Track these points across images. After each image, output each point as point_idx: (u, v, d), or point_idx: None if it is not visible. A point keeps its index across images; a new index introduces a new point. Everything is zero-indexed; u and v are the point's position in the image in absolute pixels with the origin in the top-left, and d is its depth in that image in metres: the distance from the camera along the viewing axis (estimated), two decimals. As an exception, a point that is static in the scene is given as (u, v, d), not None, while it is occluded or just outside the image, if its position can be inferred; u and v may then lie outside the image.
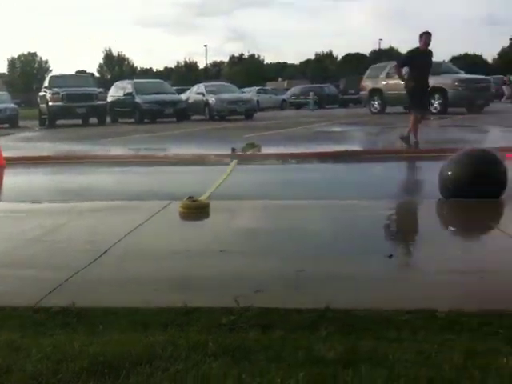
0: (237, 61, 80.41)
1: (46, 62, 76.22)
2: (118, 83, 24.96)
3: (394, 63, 23.01)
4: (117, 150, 11.51)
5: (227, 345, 2.20)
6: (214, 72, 77.81)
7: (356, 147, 10.60)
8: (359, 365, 1.97)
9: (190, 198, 4.93)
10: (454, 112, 18.37)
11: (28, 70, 73.51)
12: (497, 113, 19.13)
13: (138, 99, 21.82)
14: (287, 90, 41.98)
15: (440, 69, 20.27)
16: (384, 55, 60.38)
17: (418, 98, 9.81)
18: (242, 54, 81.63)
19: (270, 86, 49.83)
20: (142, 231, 4.23)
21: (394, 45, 74.20)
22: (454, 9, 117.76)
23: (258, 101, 27.87)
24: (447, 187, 5.14)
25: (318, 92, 34.29)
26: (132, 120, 22.19)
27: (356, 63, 64.11)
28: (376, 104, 21.68)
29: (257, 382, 1.88)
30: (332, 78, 52.06)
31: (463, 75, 20.41)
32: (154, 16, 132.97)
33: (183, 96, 24.18)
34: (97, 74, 70.68)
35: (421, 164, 8.67)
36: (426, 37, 9.54)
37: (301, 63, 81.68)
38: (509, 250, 3.63)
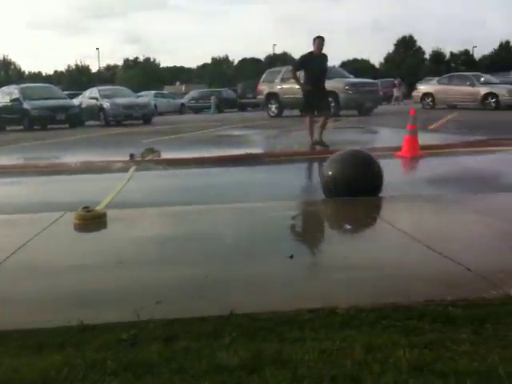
0: (132, 64, 78.79)
1: None
2: (4, 88, 23.47)
3: (289, 67, 23.82)
4: (4, 160, 10.80)
5: (128, 361, 2.11)
6: (108, 76, 75.64)
7: (257, 150, 10.73)
8: (264, 369, 1.97)
9: (85, 208, 4.71)
10: (345, 114, 19.19)
11: None
12: (385, 114, 20.26)
13: (26, 105, 20.68)
14: (185, 94, 41.77)
15: (331, 73, 21.09)
16: (279, 60, 61.99)
17: (312, 100, 10.07)
18: (136, 58, 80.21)
19: (167, 90, 49.27)
20: (33, 246, 3.97)
21: (288, 50, 76.56)
22: (342, 15, 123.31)
23: (155, 105, 27.46)
24: (329, 187, 5.35)
25: (217, 96, 34.48)
26: (21, 127, 20.99)
27: (252, 67, 65.18)
28: (273, 108, 22.14)
29: (160, 397, 1.81)
30: (229, 82, 52.57)
31: (353, 79, 21.39)
32: (44, 18, 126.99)
33: (75, 101, 23.25)
34: (-21, 80, 66.14)
35: (317, 165, 8.92)
36: (318, 41, 9.85)
37: (198, 67, 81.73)
38: (398, 243, 3.81)
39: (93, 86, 26.15)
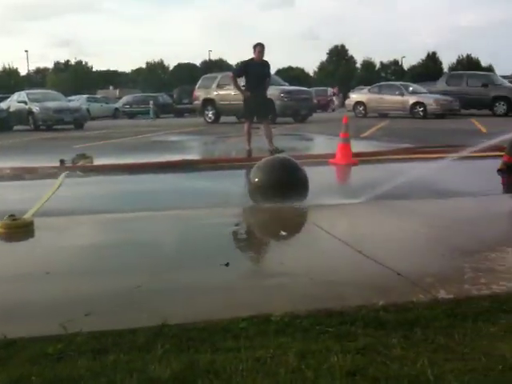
0: (63, 67, 76.47)
1: None
2: None
3: (226, 73, 23.86)
4: None
5: (54, 376, 2.02)
6: (39, 79, 73.08)
7: (193, 156, 10.65)
8: (196, 381, 1.93)
9: (11, 216, 4.49)
10: (281, 122, 19.41)
11: None
12: (319, 122, 20.66)
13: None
14: (119, 98, 40.98)
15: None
16: (215, 66, 62.07)
17: (252, 107, 10.10)
18: (68, 61, 77.88)
19: (101, 94, 48.16)
20: (-48, 257, 3.74)
21: (224, 56, 76.86)
22: (278, 24, 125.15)
23: (88, 110, 26.76)
24: (255, 193, 5.40)
25: (153, 101, 34.06)
26: None
27: (188, 73, 64.87)
28: (210, 114, 22.09)
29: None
30: (165, 87, 52.07)
31: (288, 87, 21.69)
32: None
33: (3, 105, 22.28)
34: None
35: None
36: (259, 48, 9.90)
37: (132, 71, 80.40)
38: (331, 249, 3.86)
39: (21, 90, 25.15)
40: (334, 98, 36.11)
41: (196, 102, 23.14)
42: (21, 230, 4.38)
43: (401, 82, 27.93)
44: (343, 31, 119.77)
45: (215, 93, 21.72)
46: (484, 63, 65.75)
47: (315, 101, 24.10)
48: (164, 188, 7.35)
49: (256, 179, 5.45)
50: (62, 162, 8.99)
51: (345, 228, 4.60)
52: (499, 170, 7.71)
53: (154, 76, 73.37)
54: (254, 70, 9.93)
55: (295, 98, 20.47)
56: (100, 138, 15.27)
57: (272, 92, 19.70)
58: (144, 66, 78.24)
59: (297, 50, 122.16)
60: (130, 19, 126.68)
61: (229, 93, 21.25)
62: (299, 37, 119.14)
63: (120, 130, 19.91)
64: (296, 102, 20.32)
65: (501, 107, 22.18)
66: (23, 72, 72.63)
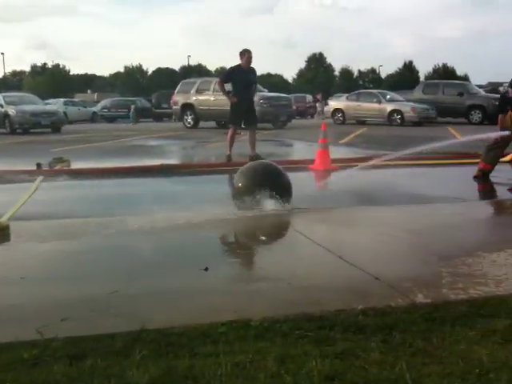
0: (40, 70, 75.60)
1: None
2: None
3: (206, 79, 23.79)
4: None
5: (29, 382, 1.99)
6: (15, 82, 72.12)
7: (172, 161, 10.59)
8: (175, 386, 1.90)
9: (-15, 219, 4.41)
10: (260, 128, 19.43)
11: None
12: (299, 128, 20.75)
13: None
14: (97, 102, 40.63)
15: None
16: (193, 71, 62.02)
17: (239, 113, 10.11)
18: (45, 64, 77.03)
19: (79, 97, 47.67)
20: None
21: (203, 62, 76.82)
22: (257, 30, 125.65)
23: (65, 113, 26.44)
24: (238, 198, 5.41)
25: (130, 105, 33.84)
26: None
27: (166, 78, 64.71)
28: (189, 119, 22.04)
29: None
30: (143, 92, 51.83)
31: (267, 93, 21.76)
32: None
33: (-22, 107, 21.87)
34: None
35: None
36: (247, 54, 9.92)
37: (110, 75, 79.87)
38: (311, 254, 3.87)
39: (-3, 92, 24.75)
40: (317, 105, 36.32)
41: (175, 107, 23.07)
42: (-5, 233, 4.30)
43: (378, 90, 28.24)
44: (321, 39, 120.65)
45: (194, 98, 21.70)
46: (460, 72, 67.01)
47: (294, 107, 24.22)
48: (142, 192, 7.29)
49: (239, 184, 5.46)
50: (38, 165, 8.86)
51: (324, 233, 4.62)
52: (475, 177, 7.84)
53: (132, 80, 73.03)
54: (241, 77, 9.95)
55: (274, 105, 20.56)
56: (78, 142, 15.09)
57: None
58: (122, 70, 77.86)
59: (276, 56, 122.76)
60: (109, 23, 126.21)
61: (208, 98, 21.25)
62: (278, 44, 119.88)
63: (98, 133, 19.71)
64: (275, 109, 20.39)
65: (476, 115, 22.57)
66: (-1, 75, 71.69)
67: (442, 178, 8.55)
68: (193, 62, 74.52)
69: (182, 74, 58.76)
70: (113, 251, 3.98)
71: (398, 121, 22.38)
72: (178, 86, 23.22)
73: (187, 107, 21.98)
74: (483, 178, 7.79)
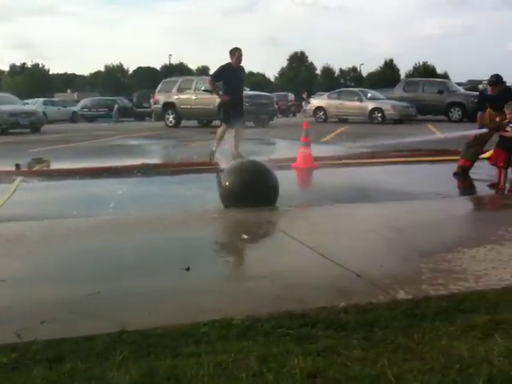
0: (19, 70, 74.64)
1: None
2: None
3: (188, 77, 23.68)
4: None
5: (8, 387, 1.94)
6: (-6, 82, 71.11)
7: (153, 160, 10.52)
8: (157, 387, 1.89)
9: (-38, 221, 4.33)
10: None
11: None
12: (281, 127, 20.76)
13: None
14: (78, 101, 40.24)
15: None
16: (175, 70, 61.74)
17: (232, 111, 10.10)
18: (24, 63, 76.08)
19: (58, 97, 47.14)
20: None
21: (184, 60, 76.54)
22: (239, 29, 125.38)
23: (44, 113, 26.13)
24: (227, 197, 5.40)
25: (111, 105, 33.58)
26: None
27: (148, 77, 64.35)
28: (171, 118, 21.93)
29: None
30: (124, 91, 51.47)
31: (249, 92, 21.72)
32: None
33: (-45, 107, 21.50)
34: None
35: (215, 175, 8.88)
36: (238, 53, 9.92)
37: (91, 75, 79.16)
38: (293, 252, 3.88)
39: (-26, 92, 24.37)
40: (303, 103, 36.40)
41: (156, 106, 22.94)
42: (-27, 236, 4.23)
43: (360, 89, 28.38)
44: (303, 38, 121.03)
45: (176, 97, 21.59)
46: (440, 70, 67.59)
47: (276, 106, 24.24)
48: (124, 192, 7.23)
49: (227, 183, 5.44)
50: (17, 166, 8.75)
51: (307, 231, 4.61)
52: (455, 174, 7.93)
53: (112, 79, 72.44)
54: (232, 75, 9.96)
55: (256, 103, 20.54)
56: (57, 142, 14.92)
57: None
58: (103, 69, 77.22)
59: (258, 55, 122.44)
60: (89, 22, 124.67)
61: (189, 97, 21.17)
62: (260, 43, 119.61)
63: (78, 133, 19.53)
64: (257, 107, 20.37)
65: (456, 113, 22.80)
66: (-23, 74, 70.68)
67: (422, 175, 8.62)
68: (174, 61, 74.17)
69: (163, 73, 58.44)
70: (93, 252, 3.93)
71: (379, 119, 22.52)
72: (159, 84, 23.09)
73: (168, 106, 21.87)
74: (463, 175, 7.88)
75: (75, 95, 50.57)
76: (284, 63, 77.45)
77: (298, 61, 75.77)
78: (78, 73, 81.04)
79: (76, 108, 36.27)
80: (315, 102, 26.29)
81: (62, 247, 4.12)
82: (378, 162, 8.97)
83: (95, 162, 9.69)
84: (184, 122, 22.06)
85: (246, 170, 5.58)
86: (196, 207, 5.77)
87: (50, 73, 76.48)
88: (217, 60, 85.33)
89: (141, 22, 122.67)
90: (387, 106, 22.75)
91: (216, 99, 19.97)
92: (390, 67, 72.25)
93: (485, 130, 7.31)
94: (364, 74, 75.05)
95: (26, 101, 28.94)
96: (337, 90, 26.98)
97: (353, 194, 6.65)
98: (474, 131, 7.61)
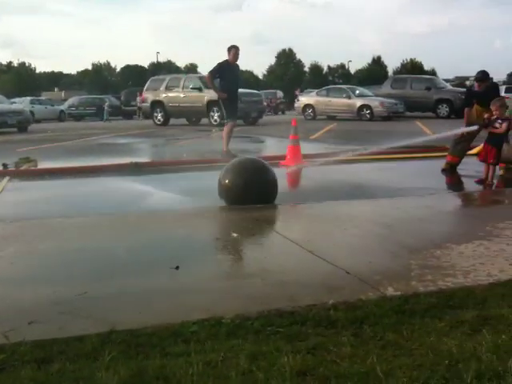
0: (5, 69, 73.97)
1: None
2: None
3: (176, 76, 23.55)
4: None
5: (-5, 389, 1.92)
6: (-21, 81, 70.36)
7: (142, 159, 10.47)
8: (146, 387, 1.88)
9: None
10: (232, 124, 19.36)
11: None
12: (270, 124, 20.77)
13: None
14: (65, 100, 40.01)
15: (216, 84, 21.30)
16: (163, 68, 61.49)
17: (231, 107, 10.14)
18: (10, 62, 75.41)
19: (45, 96, 46.79)
20: None
21: (172, 58, 76.27)
22: (227, 27, 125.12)
23: (32, 112, 25.94)
24: (226, 194, 5.39)
25: (98, 103, 33.41)
26: None
27: (135, 75, 64.06)
28: (159, 116, 21.85)
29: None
30: (112, 89, 51.20)
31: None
32: None
33: None
34: None
35: (207, 173, 8.85)
36: (234, 50, 9.94)
37: (78, 73, 78.66)
38: (283, 250, 3.88)
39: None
40: (296, 101, 36.45)
41: (144, 104, 22.85)
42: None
43: (348, 86, 28.47)
44: (291, 35, 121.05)
45: (164, 95, 21.52)
46: (427, 67, 67.99)
47: (265, 103, 24.23)
48: (112, 191, 7.19)
49: (226, 180, 5.42)
50: (4, 165, 8.68)
51: (296, 229, 4.62)
52: (443, 170, 7.98)
53: (100, 78, 72.03)
54: (229, 72, 10.01)
55: (245, 101, 20.47)
56: (45, 141, 14.82)
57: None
58: (90, 67, 76.75)
59: (246, 53, 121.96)
60: (77, 21, 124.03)
61: (178, 95, 21.11)
62: (248, 40, 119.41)
63: (66, 132, 19.40)
64: (246, 105, 20.33)
65: (443, 109, 22.95)
66: (-38, 73, 69.93)
67: (410, 171, 8.67)
68: (162, 59, 73.96)
69: (151, 71, 58.21)
70: (84, 251, 3.90)
71: (368, 116, 22.61)
72: (147, 82, 23.01)
73: (157, 104, 21.79)
74: (451, 171, 7.92)
75: (62, 94, 50.32)
76: (272, 60, 77.52)
77: (287, 58, 75.75)
78: (65, 71, 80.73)
79: (63, 107, 36.06)
80: (304, 99, 26.33)
81: (50, 247, 4.09)
82: (367, 159, 8.99)
83: (83, 161, 9.63)
84: (172, 121, 22.00)
85: (245, 167, 5.57)
86: (188, 205, 5.76)
87: (37, 71, 76.07)
88: (205, 58, 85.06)
89: (128, 20, 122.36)
90: (375, 102, 22.84)
91: (204, 97, 20.13)
92: (377, 64, 72.48)
93: (475, 127, 7.34)
94: (352, 71, 75.34)
95: (12, 100, 28.74)
96: (325, 88, 27.03)
97: (342, 191, 6.67)
98: (465, 129, 7.64)
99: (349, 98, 23.58)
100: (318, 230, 4.54)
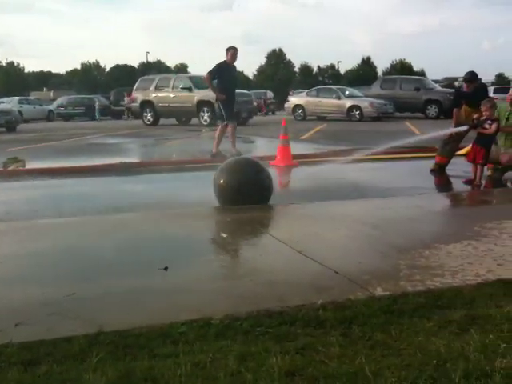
0: (-6, 68, 73.35)
1: None
2: None
3: (166, 75, 23.47)
4: None
5: (-19, 391, 1.90)
6: (-33, 80, 69.74)
7: (132, 159, 10.43)
8: (134, 389, 1.87)
9: None
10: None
11: None
12: (260, 125, 20.77)
13: None
14: (54, 100, 39.77)
15: (206, 83, 21.25)
16: (153, 67, 61.32)
17: (230, 108, 10.13)
18: (-2, 62, 74.69)
19: (34, 96, 46.48)
20: None
21: (162, 58, 76.08)
22: (217, 27, 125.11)
23: (20, 112, 25.75)
24: (221, 195, 5.39)
25: (87, 103, 33.26)
26: None
27: (125, 75, 63.83)
28: (149, 116, 21.77)
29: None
30: (101, 89, 50.98)
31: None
32: None
33: None
34: None
35: (198, 174, 8.83)
36: (233, 51, 9.93)
37: (67, 73, 78.23)
38: (273, 250, 3.87)
39: None
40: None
41: (134, 104, 22.76)
42: None
43: (337, 86, 28.53)
44: (281, 36, 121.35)
45: (153, 95, 21.45)
46: (416, 68, 68.28)
47: (255, 103, 24.22)
48: (101, 191, 7.16)
49: (221, 181, 5.41)
50: (-8, 165, 8.61)
51: (286, 229, 4.63)
52: (432, 170, 8.02)
53: (89, 77, 71.67)
54: (227, 73, 10.01)
55: (236, 101, 20.48)
56: (34, 141, 14.72)
57: (211, 95, 19.68)
58: (79, 67, 76.33)
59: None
60: (66, 20, 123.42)
61: (167, 95, 21.04)
62: (238, 40, 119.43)
63: (54, 132, 19.29)
64: (236, 105, 20.31)
65: (432, 110, 23.06)
66: (-50, 72, 69.21)
67: (399, 171, 8.71)
68: (152, 59, 73.70)
69: (140, 71, 58.01)
70: (72, 252, 3.88)
71: (357, 116, 22.68)
72: (137, 82, 22.91)
73: (146, 104, 21.72)
74: (440, 172, 7.97)
75: (51, 93, 50.03)
76: (262, 61, 77.50)
77: (277, 58, 75.77)
78: (54, 71, 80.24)
79: (52, 106, 35.86)
80: (293, 99, 26.37)
81: (38, 248, 4.05)
82: (357, 160, 9.01)
83: (72, 162, 9.58)
84: (162, 121, 21.94)
85: (240, 168, 5.57)
86: (179, 206, 5.74)
87: (26, 71, 75.45)
88: (195, 58, 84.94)
89: (118, 20, 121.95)
90: (365, 103, 22.91)
91: (194, 97, 20.10)
92: (367, 64, 72.73)
93: (465, 128, 7.38)
94: (342, 71, 75.56)
95: (1, 100, 28.53)
96: (315, 88, 27.08)
97: (332, 191, 6.68)
98: (454, 129, 7.68)
99: (339, 98, 23.64)
100: (308, 231, 4.54)
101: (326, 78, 74.21)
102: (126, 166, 8.99)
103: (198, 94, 20.10)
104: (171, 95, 20.91)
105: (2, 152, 11.17)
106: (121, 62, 76.01)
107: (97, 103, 31.01)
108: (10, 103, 29.01)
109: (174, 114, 21.81)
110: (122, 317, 2.64)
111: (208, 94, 19.79)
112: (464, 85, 8.00)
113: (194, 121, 21.06)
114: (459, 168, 7.96)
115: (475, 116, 7.17)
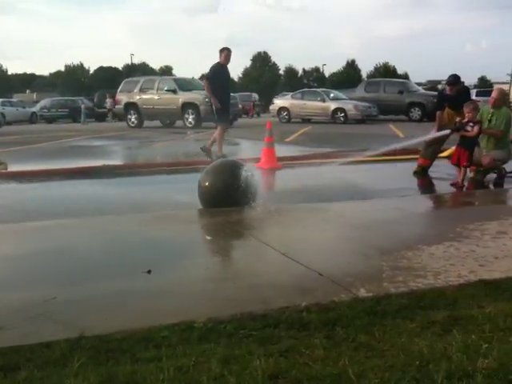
0: (-24, 70, 72.60)
1: None
2: None
3: (151, 78, 23.39)
4: None
5: (-41, 399, 1.86)
6: (-52, 82, 68.81)
7: (115, 161, 10.35)
8: (115, 394, 1.85)
9: None
10: (207, 126, 19.33)
11: None
12: (245, 127, 20.76)
13: None
14: (37, 102, 39.37)
15: (191, 86, 21.24)
16: (137, 69, 61.07)
17: (224, 111, 10.05)
18: (-19, 64, 73.99)
19: (17, 98, 46.01)
20: None
21: (147, 60, 75.84)
22: (203, 30, 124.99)
23: (2, 114, 25.49)
24: (205, 197, 5.38)
25: (71, 105, 33.00)
26: None
27: (109, 77, 63.47)
28: (133, 118, 21.66)
29: None
30: (85, 91, 50.64)
31: (212, 92, 21.64)
32: None
33: None
34: None
35: (181, 176, 8.80)
36: (226, 52, 9.85)
37: (51, 75, 77.60)
38: (257, 252, 3.87)
39: None
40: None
41: (118, 106, 22.63)
42: None
43: (322, 89, 28.66)
44: (266, 38, 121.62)
45: (138, 97, 21.35)
46: (400, 71, 68.83)
47: (240, 106, 24.23)
48: (84, 194, 7.09)
49: (206, 183, 5.41)
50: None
51: (269, 231, 4.62)
52: (415, 172, 8.08)
53: (73, 79, 71.15)
54: (222, 75, 9.93)
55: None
56: (16, 144, 14.56)
57: (196, 96, 19.72)
58: (63, 69, 75.77)
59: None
60: (49, 21, 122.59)
61: (152, 97, 20.96)
62: (224, 43, 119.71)
63: (37, 134, 19.09)
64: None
65: (416, 113, 23.26)
66: None
67: (382, 174, 8.75)
68: (136, 61, 73.45)
69: (125, 73, 57.75)
70: (54, 255, 3.83)
71: (342, 119, 22.79)
72: (121, 84, 22.79)
73: (131, 106, 21.61)
74: (422, 174, 8.03)
75: (34, 96, 49.52)
76: (248, 63, 77.57)
77: (262, 61, 75.94)
78: (37, 73, 79.52)
79: (35, 109, 35.49)
80: (278, 102, 26.41)
81: (18, 251, 4.00)
82: (341, 162, 9.04)
83: (55, 164, 9.48)
84: (146, 123, 21.83)
85: (224, 170, 5.57)
86: (156, 208, 5.70)
87: (9, 73, 74.73)
88: (180, 60, 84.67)
89: (102, 21, 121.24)
90: (349, 106, 23.04)
91: (179, 99, 20.05)
92: (352, 67, 73.14)
93: (447, 132, 7.44)
94: (326, 74, 75.91)
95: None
96: (300, 91, 27.17)
97: (316, 194, 6.69)
98: (437, 134, 7.73)
99: (323, 101, 23.73)
100: (291, 233, 4.54)
101: (310, 80, 74.47)
102: (109, 168, 8.91)
103: (183, 96, 20.07)
104: (156, 97, 20.83)
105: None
106: (105, 64, 75.74)
107: (83, 105, 30.77)
108: (-7, 105, 28.66)
109: (159, 116, 21.72)
110: (104, 321, 2.61)
111: (192, 97, 19.84)
112: (447, 88, 8.08)
113: (179, 123, 20.99)
114: (442, 170, 8.03)
115: (457, 119, 7.23)
